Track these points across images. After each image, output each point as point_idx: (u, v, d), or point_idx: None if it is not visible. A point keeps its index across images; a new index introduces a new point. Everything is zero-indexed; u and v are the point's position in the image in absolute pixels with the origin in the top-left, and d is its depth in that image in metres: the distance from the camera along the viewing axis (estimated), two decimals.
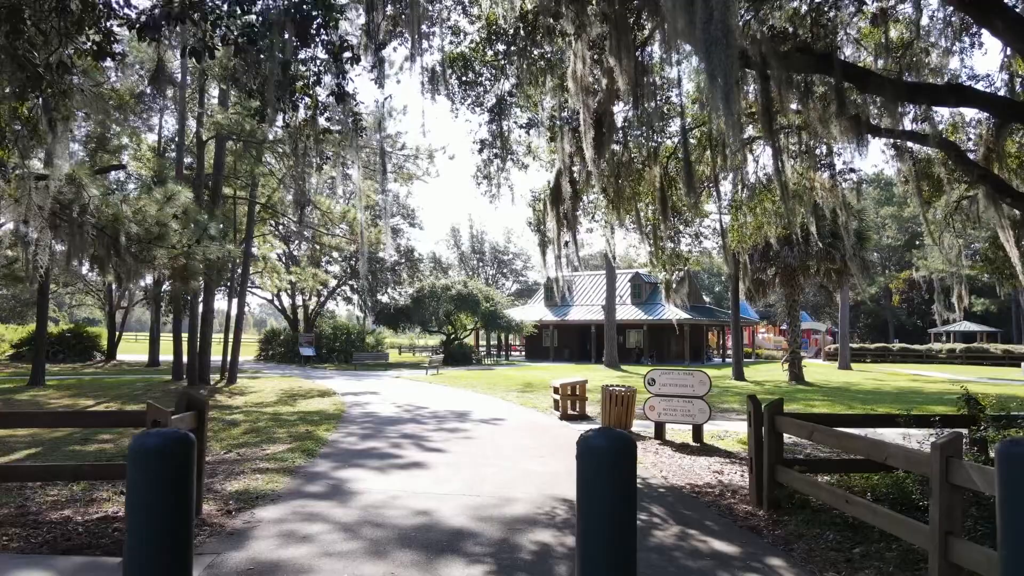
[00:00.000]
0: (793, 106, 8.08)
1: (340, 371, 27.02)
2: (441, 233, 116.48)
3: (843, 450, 4.51)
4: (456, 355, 34.63)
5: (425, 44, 9.66)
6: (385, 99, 8.22)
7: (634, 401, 10.58)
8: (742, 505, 5.77)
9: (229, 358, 18.36)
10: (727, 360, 40.32)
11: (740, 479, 7.02)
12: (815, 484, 4.84)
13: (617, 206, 10.69)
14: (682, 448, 9.02)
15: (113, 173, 20.09)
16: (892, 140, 10.04)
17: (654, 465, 7.83)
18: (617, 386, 10.85)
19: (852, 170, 11.59)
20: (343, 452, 8.32)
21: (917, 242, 54.38)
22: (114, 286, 23.54)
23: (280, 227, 34.98)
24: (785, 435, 5.54)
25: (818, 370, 29.69)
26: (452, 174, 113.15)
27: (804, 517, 5.13)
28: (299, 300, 39.64)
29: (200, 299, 16.34)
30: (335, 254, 38.91)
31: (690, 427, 10.06)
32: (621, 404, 10.42)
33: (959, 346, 39.50)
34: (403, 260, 41.61)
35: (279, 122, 6.03)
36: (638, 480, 7.15)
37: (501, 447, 8.87)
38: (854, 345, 39.76)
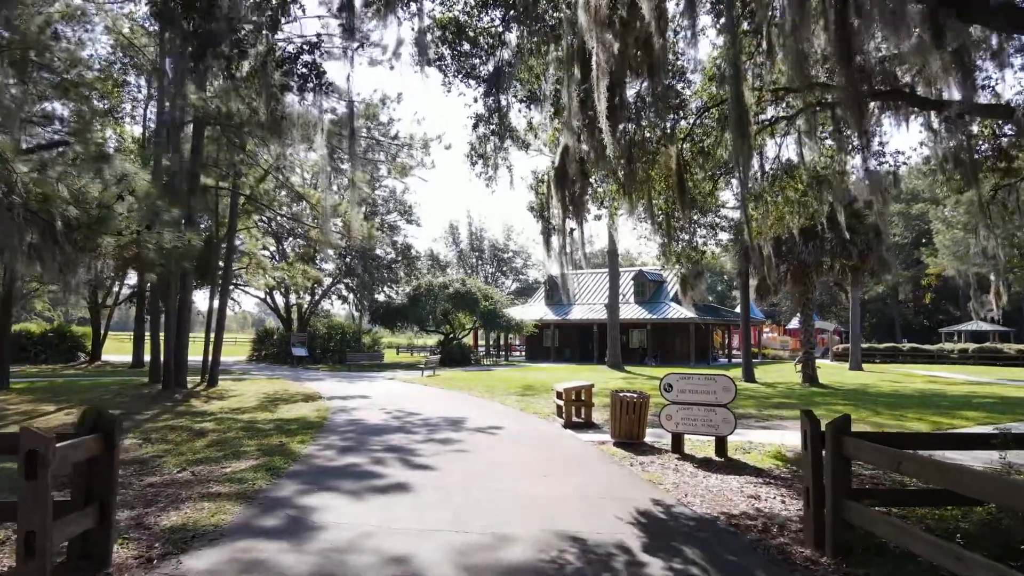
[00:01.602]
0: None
1: (332, 372, 25.90)
2: (439, 230, 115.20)
3: (947, 487, 3.42)
4: (454, 355, 33.50)
5: (413, 7, 8.57)
6: (356, 48, 7.08)
7: (647, 409, 9.47)
8: (797, 548, 4.64)
9: (210, 359, 17.21)
10: (733, 360, 39.19)
11: (782, 506, 5.90)
12: (904, 531, 3.72)
13: (628, 191, 9.56)
14: (705, 464, 7.90)
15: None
16: (943, 114, 8.95)
17: (676, 487, 6.71)
18: (628, 392, 9.73)
19: (894, 151, 10.45)
20: (315, 471, 7.20)
21: (924, 240, 53.26)
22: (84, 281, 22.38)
23: (273, 224, 33.86)
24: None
25: (829, 371, 28.55)
26: (450, 171, 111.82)
27: (885, 570, 4.01)
28: (292, 299, 38.47)
29: (174, 295, 15.21)
30: (330, 251, 37.81)
31: (709, 438, 9.01)
32: (633, 412, 9.31)
33: (971, 346, 38.36)
34: (400, 257, 40.48)
35: (221, 70, 4.91)
36: (659, 508, 6.06)
37: (498, 463, 7.75)
38: (863, 345, 38.62)
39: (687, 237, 11.15)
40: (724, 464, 7.94)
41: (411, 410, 13.00)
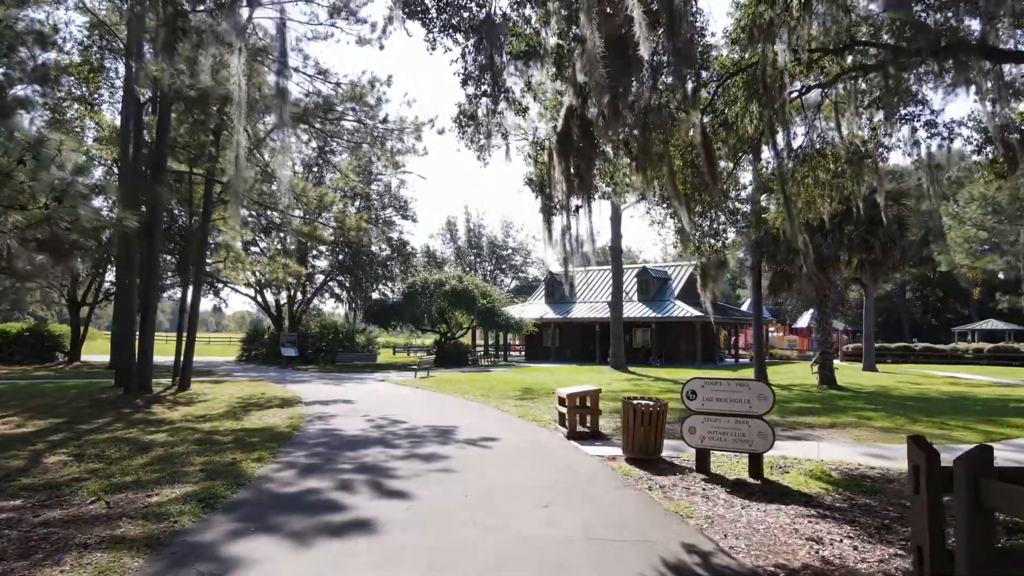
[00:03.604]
0: None
1: (322, 374, 24.55)
2: (436, 226, 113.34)
3: None
4: (451, 355, 32.15)
5: None
6: None
7: (665, 418, 8.12)
8: None
9: (182, 360, 15.85)
10: (740, 360, 37.81)
11: (855, 555, 4.55)
12: None
13: (643, 166, 8.20)
14: (740, 489, 6.55)
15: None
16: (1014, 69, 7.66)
17: (711, 522, 5.35)
18: (642, 399, 8.39)
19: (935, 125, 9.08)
20: (262, 501, 5.84)
21: (930, 238, 51.90)
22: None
23: (263, 219, 32.47)
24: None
25: (843, 372, 27.21)
26: (447, 165, 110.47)
27: None
28: (283, 297, 37.09)
29: (136, 287, 13.84)
30: (322, 247, 36.42)
31: (739, 455, 7.67)
32: (649, 423, 7.95)
33: (986, 345, 37.01)
34: (395, 254, 39.09)
35: None
36: (695, 557, 4.67)
37: (489, 489, 6.40)
38: (875, 344, 37.22)
39: (707, 223, 9.81)
40: (762, 488, 6.59)
41: (396, 417, 11.66)
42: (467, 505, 5.74)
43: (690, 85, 8.30)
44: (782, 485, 6.73)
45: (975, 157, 10.98)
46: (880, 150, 10.03)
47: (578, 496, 6.15)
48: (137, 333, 14.61)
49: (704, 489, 6.53)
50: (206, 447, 8.39)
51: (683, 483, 6.78)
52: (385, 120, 17.68)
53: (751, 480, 6.91)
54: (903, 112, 9.22)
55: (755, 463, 7.07)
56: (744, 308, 43.40)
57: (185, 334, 16.05)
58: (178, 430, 9.82)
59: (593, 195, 7.58)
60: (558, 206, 7.07)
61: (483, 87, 7.30)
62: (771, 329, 50.77)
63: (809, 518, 5.49)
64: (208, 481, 6.45)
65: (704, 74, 9.84)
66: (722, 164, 10.66)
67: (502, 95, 7.35)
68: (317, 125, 17.59)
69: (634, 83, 7.77)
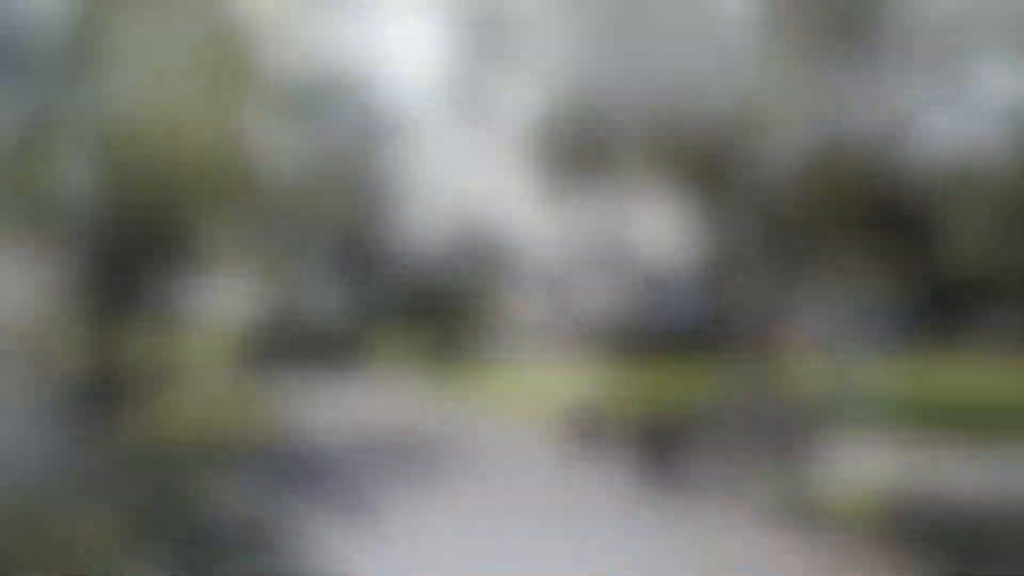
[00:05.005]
0: None
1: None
2: None
3: None
4: (450, 350, 31.34)
5: None
6: None
7: (679, 428, 7.29)
8: None
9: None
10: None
11: None
12: None
13: None
14: (770, 509, 5.70)
15: None
16: None
17: (746, 557, 4.49)
18: (652, 402, 7.56)
19: None
20: None
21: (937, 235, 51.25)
22: None
23: None
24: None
25: (851, 371, 26.49)
26: None
27: None
28: None
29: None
30: None
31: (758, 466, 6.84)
32: (661, 432, 7.13)
33: (995, 345, 36.32)
34: None
35: None
36: None
37: (483, 511, 5.54)
38: (882, 343, 36.54)
39: None
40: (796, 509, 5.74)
41: (386, 418, 10.83)
42: (449, 542, 4.85)
43: None
44: (819, 505, 5.87)
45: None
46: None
47: (583, 519, 5.28)
48: None
49: (735, 511, 5.67)
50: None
51: (707, 502, 5.93)
52: None
53: (783, 498, 6.07)
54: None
55: (787, 478, 6.22)
56: None
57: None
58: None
59: None
60: None
61: None
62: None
63: (864, 551, 4.62)
64: None
65: None
66: None
67: None
68: None
69: None
